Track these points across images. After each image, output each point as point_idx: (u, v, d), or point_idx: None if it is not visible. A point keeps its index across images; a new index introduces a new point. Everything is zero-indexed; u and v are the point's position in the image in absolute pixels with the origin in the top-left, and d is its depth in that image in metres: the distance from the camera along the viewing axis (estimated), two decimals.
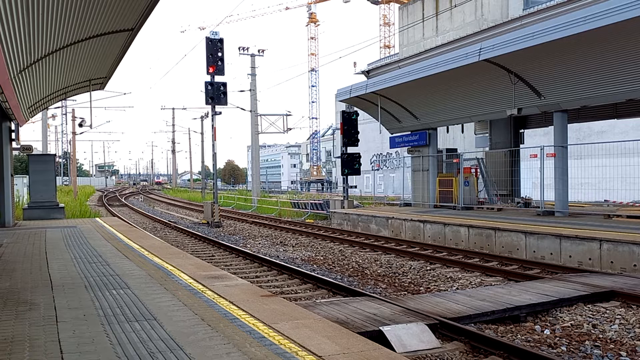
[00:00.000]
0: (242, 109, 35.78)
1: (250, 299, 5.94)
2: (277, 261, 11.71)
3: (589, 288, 7.95)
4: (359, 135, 24.10)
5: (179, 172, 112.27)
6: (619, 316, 6.98)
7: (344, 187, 25.47)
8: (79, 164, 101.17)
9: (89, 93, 17.47)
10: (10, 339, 4.49)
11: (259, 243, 16.35)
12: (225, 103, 21.45)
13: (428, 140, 20.84)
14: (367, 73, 41.84)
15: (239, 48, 35.10)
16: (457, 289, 9.15)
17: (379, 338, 5.52)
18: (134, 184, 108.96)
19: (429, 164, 20.83)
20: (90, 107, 18.86)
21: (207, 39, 21.03)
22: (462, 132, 33.56)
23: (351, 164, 23.80)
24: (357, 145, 24.13)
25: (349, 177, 24.92)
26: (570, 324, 6.73)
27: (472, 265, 11.10)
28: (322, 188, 69.56)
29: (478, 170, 20.75)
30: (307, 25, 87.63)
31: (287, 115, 38.25)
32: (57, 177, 32.75)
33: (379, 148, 48.06)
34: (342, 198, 24.13)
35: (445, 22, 33.77)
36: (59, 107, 54.03)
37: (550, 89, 15.10)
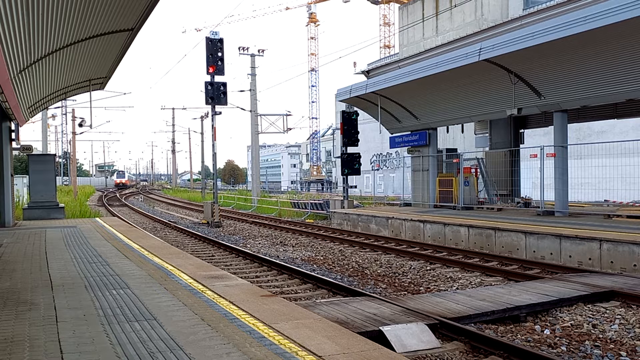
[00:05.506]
0: (242, 109, 35.82)
1: (250, 299, 5.94)
2: (277, 261, 11.71)
3: (589, 288, 7.95)
4: (359, 135, 24.12)
5: (179, 172, 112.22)
6: (619, 316, 6.98)
7: (344, 187, 25.47)
8: (79, 164, 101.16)
9: (89, 93, 17.47)
10: (10, 339, 4.49)
11: (259, 243, 16.35)
12: (225, 103, 21.46)
13: (428, 140, 20.85)
14: (367, 73, 41.84)
15: (239, 48, 35.08)
16: (457, 289, 9.15)
17: (379, 338, 5.52)
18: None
19: (429, 164, 20.83)
20: (90, 107, 18.82)
21: (207, 39, 21.02)
22: (462, 132, 33.54)
23: (351, 164, 23.82)
24: (357, 145, 24.15)
25: (349, 177, 24.93)
26: (570, 324, 6.73)
27: (472, 265, 11.10)
28: (322, 188, 69.55)
29: (478, 170, 20.75)
30: (307, 25, 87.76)
31: (287, 115, 38.27)
32: (57, 177, 32.75)
33: (379, 148, 48.05)
34: (342, 198, 24.13)
35: (445, 22, 33.77)
36: (59, 107, 53.99)
37: (550, 89, 15.10)
